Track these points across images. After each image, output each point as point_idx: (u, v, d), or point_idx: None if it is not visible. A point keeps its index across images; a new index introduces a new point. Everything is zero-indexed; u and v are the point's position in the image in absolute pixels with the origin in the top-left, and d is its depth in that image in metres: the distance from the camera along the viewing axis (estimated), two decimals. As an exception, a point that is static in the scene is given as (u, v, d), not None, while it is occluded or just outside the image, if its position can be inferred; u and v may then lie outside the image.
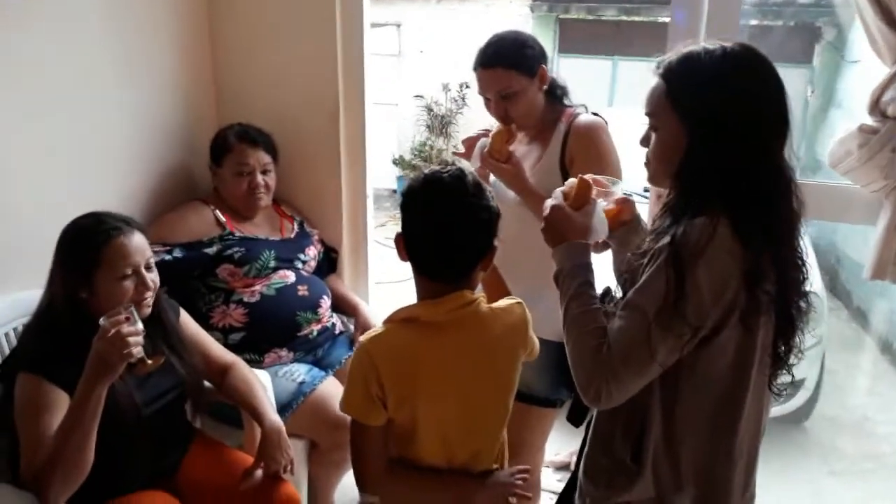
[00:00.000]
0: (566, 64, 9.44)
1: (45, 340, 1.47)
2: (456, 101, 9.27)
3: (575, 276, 1.20)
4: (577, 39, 9.69)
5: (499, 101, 1.76)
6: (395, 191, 9.50)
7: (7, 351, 1.63)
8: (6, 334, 1.64)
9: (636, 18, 9.19)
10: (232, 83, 2.41)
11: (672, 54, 1.16)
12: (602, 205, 1.29)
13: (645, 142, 1.22)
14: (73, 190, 1.86)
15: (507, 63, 1.73)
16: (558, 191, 1.30)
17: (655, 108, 1.17)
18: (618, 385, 1.10)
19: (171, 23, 2.22)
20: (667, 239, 1.09)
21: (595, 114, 1.83)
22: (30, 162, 1.76)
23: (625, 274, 1.23)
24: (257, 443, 1.72)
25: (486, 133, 1.84)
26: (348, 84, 2.32)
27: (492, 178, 1.83)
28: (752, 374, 1.16)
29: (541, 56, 1.78)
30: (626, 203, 1.36)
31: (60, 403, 1.39)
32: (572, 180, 1.30)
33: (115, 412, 1.42)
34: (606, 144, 1.76)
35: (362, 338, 1.29)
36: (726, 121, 1.09)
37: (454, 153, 1.86)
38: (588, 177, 1.30)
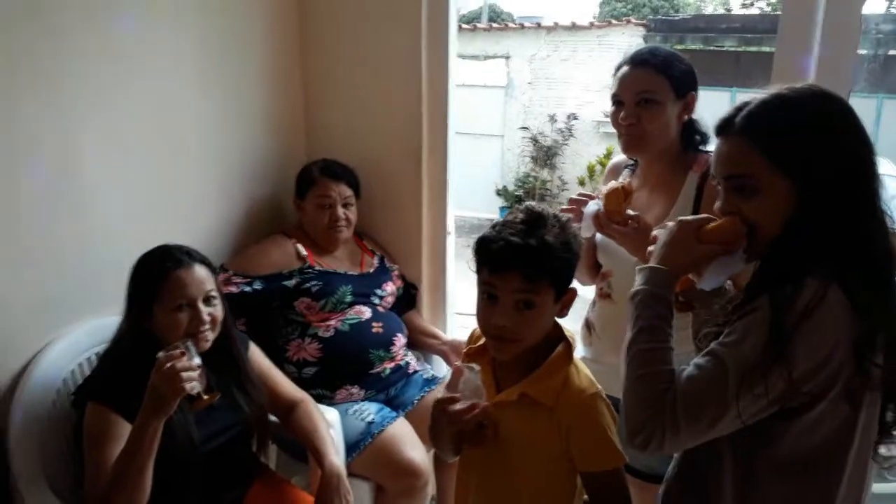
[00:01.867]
0: (681, 95, 9.13)
1: (114, 370, 1.51)
2: (562, 132, 9.17)
3: (656, 304, 1.08)
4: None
5: (633, 109, 1.55)
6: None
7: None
8: (87, 359, 1.70)
9: (756, 49, 8.76)
10: (321, 119, 2.45)
11: (750, 105, 1.04)
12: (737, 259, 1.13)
13: (731, 208, 1.06)
14: (159, 221, 1.93)
15: (659, 66, 1.55)
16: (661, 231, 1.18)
17: (749, 168, 1.02)
18: (674, 438, 0.99)
19: (265, 59, 2.29)
20: (765, 298, 0.97)
21: None
22: (119, 192, 1.84)
23: (705, 333, 1.10)
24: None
25: (590, 197, 1.60)
26: (433, 119, 2.30)
27: (600, 238, 1.65)
28: (849, 457, 1.02)
29: (693, 82, 1.59)
30: None
31: (124, 434, 1.41)
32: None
33: (171, 446, 1.43)
34: None
35: (591, 389, 1.23)
36: (838, 173, 0.98)
37: (562, 210, 1.56)
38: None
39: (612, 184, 1.53)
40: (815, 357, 0.94)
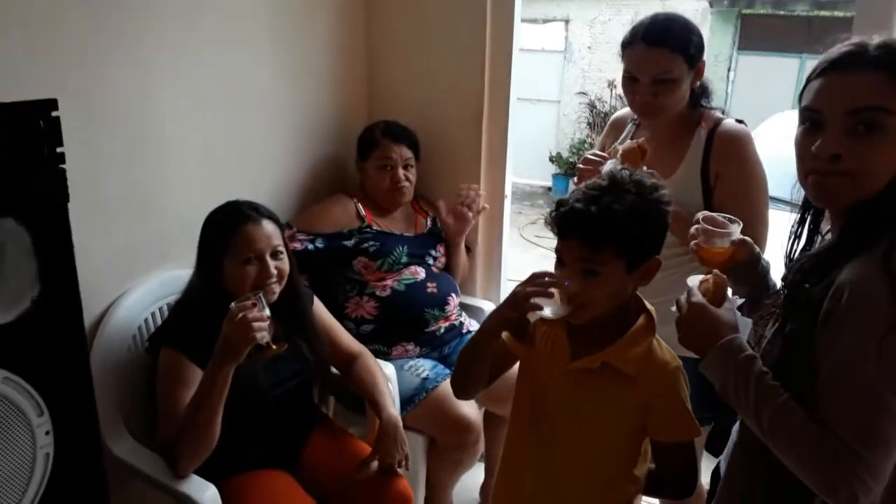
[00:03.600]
0: (747, 62, 8.80)
1: (186, 319, 1.59)
2: (621, 98, 8.97)
3: (745, 374, 1.02)
4: (761, 36, 9.00)
5: (649, 87, 1.58)
6: (549, 188, 9.38)
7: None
8: (159, 308, 1.79)
9: (829, 13, 8.35)
10: (383, 80, 2.47)
11: (886, 42, 0.97)
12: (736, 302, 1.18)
13: (841, 149, 0.97)
14: (228, 178, 1.99)
15: (675, 45, 1.56)
16: (693, 285, 1.17)
17: (884, 100, 0.94)
18: (872, 473, 0.90)
19: (329, 21, 2.31)
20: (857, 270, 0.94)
21: (739, 121, 1.67)
22: (192, 150, 1.90)
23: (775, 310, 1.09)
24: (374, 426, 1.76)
25: (605, 157, 1.61)
26: (494, 82, 2.29)
27: None
28: None
29: (702, 50, 1.63)
30: (743, 244, 1.27)
31: (195, 379, 1.49)
32: (699, 278, 1.20)
33: (240, 393, 1.50)
34: (757, 160, 1.61)
35: (674, 362, 1.21)
36: None
37: (577, 168, 1.67)
38: (705, 214, 1.26)
39: (629, 143, 1.55)
40: None
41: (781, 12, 8.96)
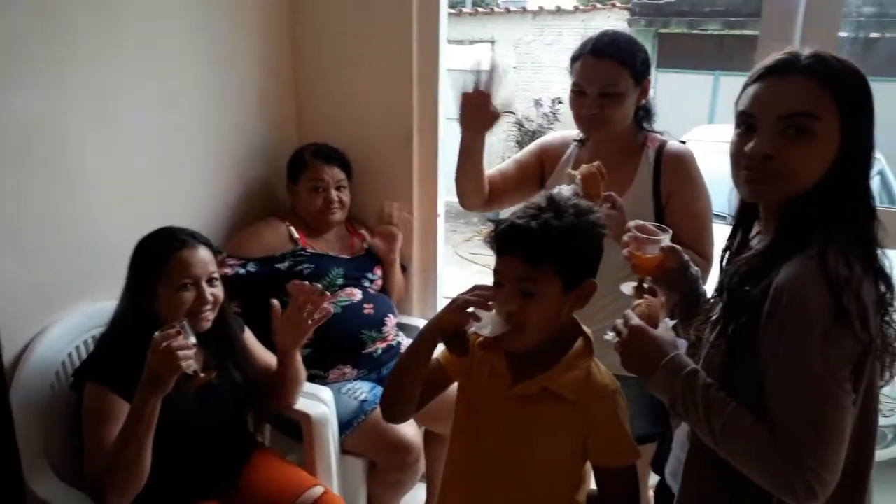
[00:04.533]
0: (665, 79, 9.17)
1: (113, 351, 1.54)
2: (547, 116, 9.20)
3: (692, 388, 1.06)
4: (677, 54, 9.40)
5: (596, 99, 1.62)
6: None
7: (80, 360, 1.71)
8: (84, 342, 1.72)
9: (739, 32, 8.81)
10: (312, 102, 2.46)
11: (813, 52, 1.04)
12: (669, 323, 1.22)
13: (774, 150, 1.03)
14: (153, 206, 1.94)
15: (621, 59, 1.61)
16: (632, 312, 1.21)
17: (815, 107, 1.01)
18: (825, 465, 0.94)
19: (256, 43, 2.30)
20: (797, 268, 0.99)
21: (682, 141, 1.76)
22: (116, 177, 1.85)
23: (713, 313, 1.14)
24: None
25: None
26: (423, 102, 2.32)
27: None
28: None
29: (648, 68, 1.68)
30: (672, 251, 1.31)
31: (123, 413, 1.44)
32: (631, 285, 1.30)
33: (172, 423, 1.46)
34: (702, 178, 1.68)
35: (613, 385, 1.23)
36: (869, 129, 1.03)
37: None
38: (636, 223, 1.32)
39: (586, 167, 1.55)
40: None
41: (695, 31, 9.40)
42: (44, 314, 1.68)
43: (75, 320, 1.72)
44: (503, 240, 1.17)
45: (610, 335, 1.18)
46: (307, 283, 1.86)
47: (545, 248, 1.14)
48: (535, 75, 9.75)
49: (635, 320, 1.16)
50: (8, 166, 1.57)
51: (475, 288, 1.19)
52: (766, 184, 1.05)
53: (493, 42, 10.30)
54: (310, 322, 1.72)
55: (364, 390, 2.07)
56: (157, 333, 1.39)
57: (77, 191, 1.75)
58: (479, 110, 1.69)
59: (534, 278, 1.15)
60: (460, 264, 6.83)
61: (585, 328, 1.27)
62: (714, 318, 1.13)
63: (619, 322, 1.18)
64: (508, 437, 1.23)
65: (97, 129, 1.78)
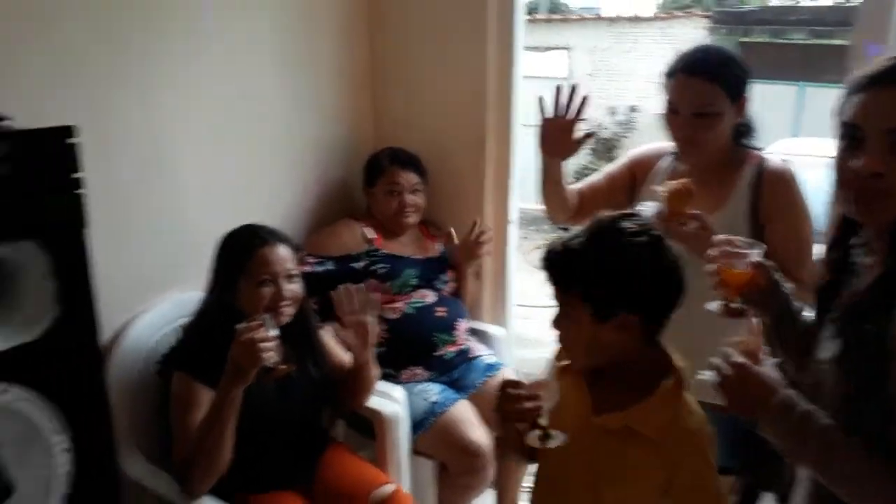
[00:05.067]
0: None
1: (198, 341, 1.61)
2: (623, 124, 9.07)
3: (808, 431, 0.99)
4: (759, 64, 9.08)
5: (689, 119, 1.54)
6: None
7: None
8: (171, 330, 1.80)
9: (826, 41, 8.45)
10: (388, 109, 2.51)
11: None
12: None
13: (881, 168, 0.95)
14: (238, 203, 2.03)
15: (714, 77, 1.51)
16: (731, 348, 1.12)
17: None
18: None
19: (334, 49, 2.36)
20: None
21: (783, 159, 1.67)
22: (204, 178, 1.95)
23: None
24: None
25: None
26: (498, 109, 2.33)
27: None
28: None
29: (746, 83, 1.56)
30: (760, 268, 1.24)
31: (207, 401, 1.51)
32: (716, 304, 1.25)
33: (252, 414, 1.51)
34: (805, 197, 1.59)
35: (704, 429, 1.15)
36: None
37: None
38: (724, 237, 1.26)
39: (673, 184, 1.49)
40: None
41: (779, 40, 9.08)
42: (136, 302, 1.77)
43: (164, 309, 1.81)
44: (542, 263, 1.15)
45: (708, 374, 1.10)
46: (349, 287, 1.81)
47: (567, 274, 1.11)
48: (609, 83, 9.63)
49: (738, 357, 1.06)
50: (111, 168, 1.67)
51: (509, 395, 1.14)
52: (876, 204, 0.97)
53: (568, 49, 10.23)
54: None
55: (435, 392, 2.08)
56: (240, 325, 1.45)
57: (169, 189, 1.85)
58: (560, 137, 1.69)
59: (565, 302, 1.12)
60: (530, 271, 6.78)
61: (677, 361, 1.18)
62: (830, 354, 1.06)
63: (719, 360, 1.08)
64: (588, 468, 1.18)
65: (189, 130, 1.88)
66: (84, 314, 1.16)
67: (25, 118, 1.10)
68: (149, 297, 1.81)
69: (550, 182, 1.77)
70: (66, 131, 1.11)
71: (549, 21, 10.82)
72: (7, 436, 1.10)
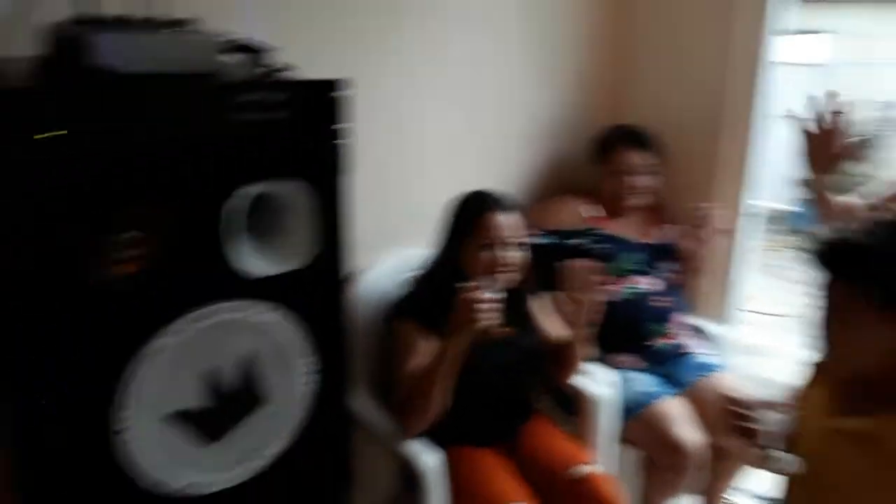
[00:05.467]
0: None
1: (425, 293, 1.70)
2: (889, 121, 7.96)
3: None
4: None
5: None
6: (792, 213, 8.56)
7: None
8: (397, 283, 1.90)
9: None
10: (627, 85, 2.45)
11: None
12: None
13: None
14: (467, 169, 2.10)
15: None
16: None
17: None
18: None
19: (578, 21, 2.35)
20: None
21: None
22: (438, 142, 2.06)
23: None
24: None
25: None
26: (740, 95, 2.16)
27: None
28: None
29: None
30: None
31: (427, 350, 1.59)
32: None
33: (465, 370, 1.57)
34: None
35: None
36: None
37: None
38: None
39: None
40: None
41: None
42: (370, 252, 1.89)
43: (393, 261, 1.93)
44: (817, 254, 1.06)
45: None
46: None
47: (853, 266, 1.03)
48: (879, 72, 8.49)
49: None
50: (369, 123, 1.78)
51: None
52: None
53: (830, 32, 9.17)
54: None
55: (647, 383, 2.01)
56: (463, 285, 1.50)
57: (412, 151, 1.98)
58: (822, 150, 1.56)
59: (844, 298, 1.04)
60: (764, 275, 6.21)
61: None
62: None
63: None
64: (822, 472, 1.10)
65: (435, 96, 2.00)
66: (338, 253, 1.28)
67: (309, 68, 1.23)
68: (381, 249, 1.93)
69: (819, 195, 1.63)
70: (339, 84, 1.21)
71: (806, 1, 9.76)
72: (261, 352, 1.24)
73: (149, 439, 1.14)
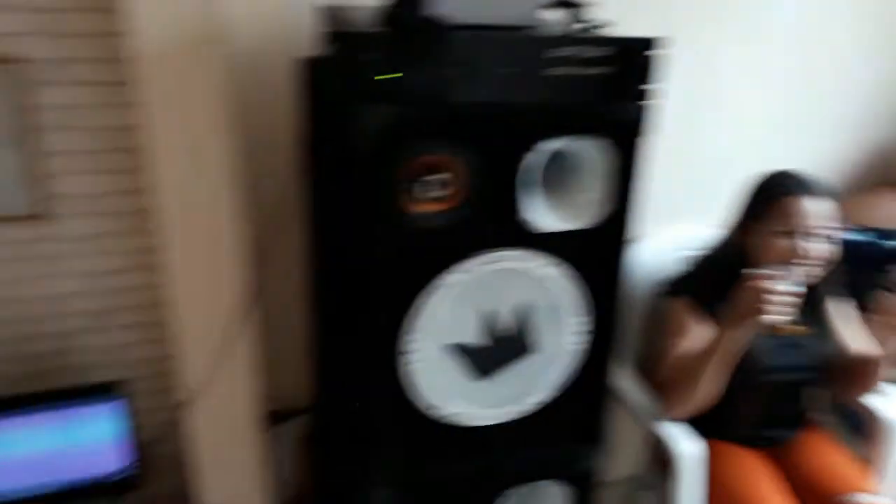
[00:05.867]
0: None
1: (708, 274, 1.59)
2: None
3: None
4: None
5: None
6: None
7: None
8: (677, 259, 1.82)
9: None
10: None
11: None
12: None
13: None
14: (780, 147, 1.95)
15: None
16: None
17: None
18: None
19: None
20: None
21: None
22: (749, 115, 1.93)
23: None
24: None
25: None
26: None
27: None
28: None
29: None
30: None
31: (699, 333, 1.50)
32: None
33: (742, 363, 1.45)
34: None
35: None
36: None
37: None
38: None
39: None
40: None
41: None
42: (653, 221, 1.79)
43: (675, 235, 1.85)
44: None
45: None
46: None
47: None
48: None
49: None
50: (672, 97, 1.72)
51: None
52: None
53: None
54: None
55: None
56: (753, 271, 1.38)
57: (717, 124, 1.89)
58: None
59: None
60: None
61: None
62: None
63: None
64: None
65: (752, 70, 1.87)
66: (627, 218, 1.25)
67: (626, 26, 1.21)
68: (664, 220, 1.85)
69: None
70: (656, 43, 1.17)
71: None
72: (538, 303, 1.27)
73: (429, 364, 1.24)
